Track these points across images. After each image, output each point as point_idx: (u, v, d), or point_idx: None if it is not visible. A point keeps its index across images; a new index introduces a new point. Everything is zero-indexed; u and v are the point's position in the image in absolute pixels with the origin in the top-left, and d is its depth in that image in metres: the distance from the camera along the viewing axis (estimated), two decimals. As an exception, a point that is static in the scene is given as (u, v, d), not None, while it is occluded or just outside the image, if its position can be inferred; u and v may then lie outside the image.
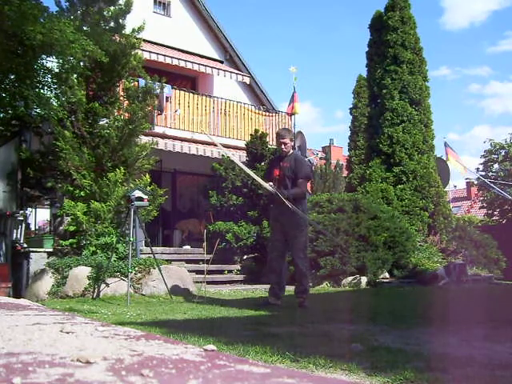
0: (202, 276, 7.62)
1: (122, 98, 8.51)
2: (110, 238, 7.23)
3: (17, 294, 6.95)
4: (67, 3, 7.89)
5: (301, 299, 5.36)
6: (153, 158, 8.35)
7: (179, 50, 13.49)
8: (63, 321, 1.82)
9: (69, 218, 7.58)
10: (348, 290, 8.05)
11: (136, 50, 8.32)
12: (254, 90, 15.28)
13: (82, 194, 7.56)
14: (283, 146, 5.47)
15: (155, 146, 8.88)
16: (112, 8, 8.10)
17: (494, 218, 20.78)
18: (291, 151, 5.55)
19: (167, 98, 11.60)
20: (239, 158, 11.83)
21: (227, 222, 10.21)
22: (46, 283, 6.61)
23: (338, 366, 2.32)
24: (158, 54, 11.87)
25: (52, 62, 7.29)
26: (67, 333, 1.49)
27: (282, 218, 5.37)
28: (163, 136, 11.17)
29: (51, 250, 7.66)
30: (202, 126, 12.25)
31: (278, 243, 5.44)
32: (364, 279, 8.56)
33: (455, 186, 31.81)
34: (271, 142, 12.62)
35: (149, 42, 11.53)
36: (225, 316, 4.46)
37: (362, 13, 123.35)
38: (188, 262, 9.74)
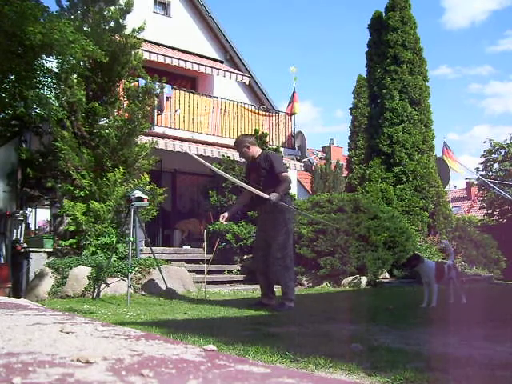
0: (202, 276, 7.62)
1: (121, 98, 8.49)
2: (110, 238, 7.23)
3: (17, 294, 6.94)
4: (68, 3, 7.90)
5: (279, 300, 5.21)
6: (153, 157, 8.34)
7: (179, 50, 13.49)
8: (63, 321, 1.82)
9: (69, 218, 7.57)
10: (348, 290, 8.05)
11: (136, 50, 8.31)
12: (253, 90, 15.27)
13: (82, 194, 7.55)
14: (245, 152, 5.42)
15: (155, 146, 8.88)
16: (112, 8, 8.10)
17: (494, 217, 20.78)
18: (258, 152, 5.44)
19: (167, 97, 11.59)
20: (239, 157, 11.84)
21: (227, 222, 10.19)
22: (46, 283, 6.60)
23: (338, 366, 2.32)
24: (158, 54, 11.86)
25: (52, 62, 7.28)
26: (67, 333, 1.49)
27: (263, 215, 5.38)
28: (163, 136, 11.16)
29: (51, 250, 7.65)
30: (201, 126, 12.25)
31: (262, 243, 5.33)
32: (364, 279, 8.57)
33: (455, 186, 31.85)
34: (271, 142, 12.62)
35: (149, 42, 11.52)
36: (225, 316, 4.45)
37: (362, 12, 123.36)
38: (188, 261, 9.73)
